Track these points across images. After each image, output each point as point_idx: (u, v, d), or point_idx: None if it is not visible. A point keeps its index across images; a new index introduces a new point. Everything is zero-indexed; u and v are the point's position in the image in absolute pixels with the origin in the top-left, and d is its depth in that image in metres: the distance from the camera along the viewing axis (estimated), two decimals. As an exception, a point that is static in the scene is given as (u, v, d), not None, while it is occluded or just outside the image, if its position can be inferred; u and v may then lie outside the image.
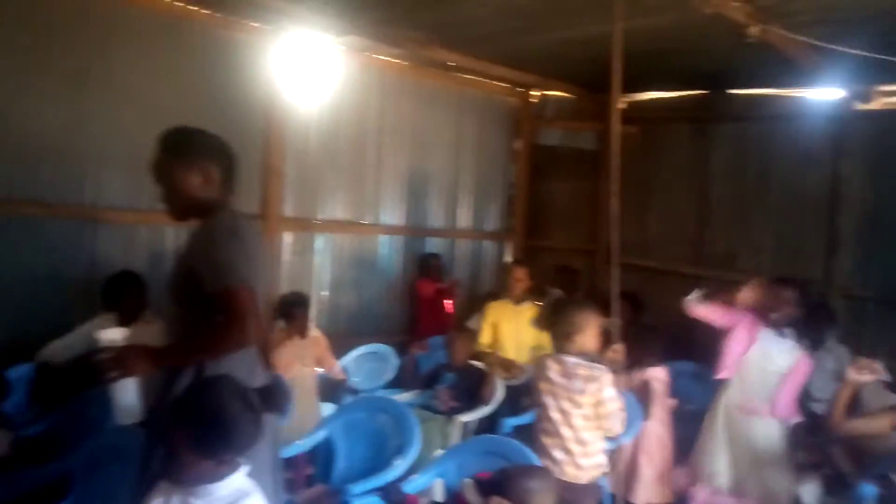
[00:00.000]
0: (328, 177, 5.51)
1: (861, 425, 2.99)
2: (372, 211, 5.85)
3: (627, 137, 6.63)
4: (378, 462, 3.22)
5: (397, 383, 4.81)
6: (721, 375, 3.68)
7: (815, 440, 3.50)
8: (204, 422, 1.74)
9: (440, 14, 4.24)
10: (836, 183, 5.57)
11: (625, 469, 3.72)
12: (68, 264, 4.23)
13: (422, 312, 5.75)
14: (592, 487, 2.94)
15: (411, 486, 2.75)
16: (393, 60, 5.71)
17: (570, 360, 2.92)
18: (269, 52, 4.80)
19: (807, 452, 3.51)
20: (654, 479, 3.72)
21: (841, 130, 5.52)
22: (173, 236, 4.59)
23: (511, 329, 4.73)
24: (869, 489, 2.87)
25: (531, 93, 6.78)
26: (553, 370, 2.96)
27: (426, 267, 5.91)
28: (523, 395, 4.22)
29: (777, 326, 3.59)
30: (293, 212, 5.30)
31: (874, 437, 3.06)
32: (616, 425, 2.90)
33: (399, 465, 2.97)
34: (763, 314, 3.61)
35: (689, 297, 3.77)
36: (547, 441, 2.93)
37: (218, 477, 1.77)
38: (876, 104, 5.49)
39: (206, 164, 2.22)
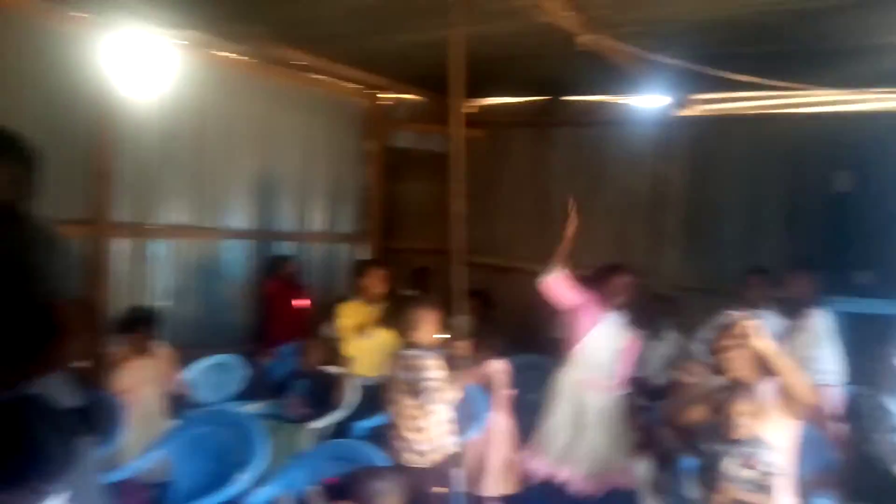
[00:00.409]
0: (166, 179, 5.18)
1: (692, 414, 3.27)
2: (216, 214, 5.58)
3: (474, 141, 6.87)
4: (223, 478, 3.08)
5: (247, 394, 4.63)
6: (570, 354, 3.92)
7: (645, 422, 3.85)
8: (8, 448, 1.56)
9: (285, 12, 4.14)
10: (661, 184, 6.07)
11: (474, 462, 3.82)
12: None
13: (272, 318, 5.57)
14: (436, 472, 3.06)
15: (256, 500, 2.65)
16: (237, 58, 5.48)
17: (409, 353, 3.11)
18: (99, 45, 4.43)
19: (638, 433, 3.83)
20: (502, 468, 3.85)
21: (663, 136, 6.03)
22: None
23: (351, 331, 4.68)
24: (690, 462, 3.12)
25: (382, 95, 6.79)
26: (397, 365, 3.16)
27: (277, 269, 5.72)
28: (378, 396, 4.22)
29: (616, 309, 3.93)
30: (126, 217, 4.93)
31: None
32: (436, 398, 3.08)
33: (242, 480, 2.85)
34: (604, 297, 3.92)
35: (544, 274, 3.91)
36: (394, 432, 3.09)
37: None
38: (693, 111, 6.05)
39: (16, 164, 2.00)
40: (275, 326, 5.50)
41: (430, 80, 5.89)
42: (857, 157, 5.09)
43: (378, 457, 2.68)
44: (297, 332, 5.00)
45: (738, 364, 2.89)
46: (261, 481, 2.93)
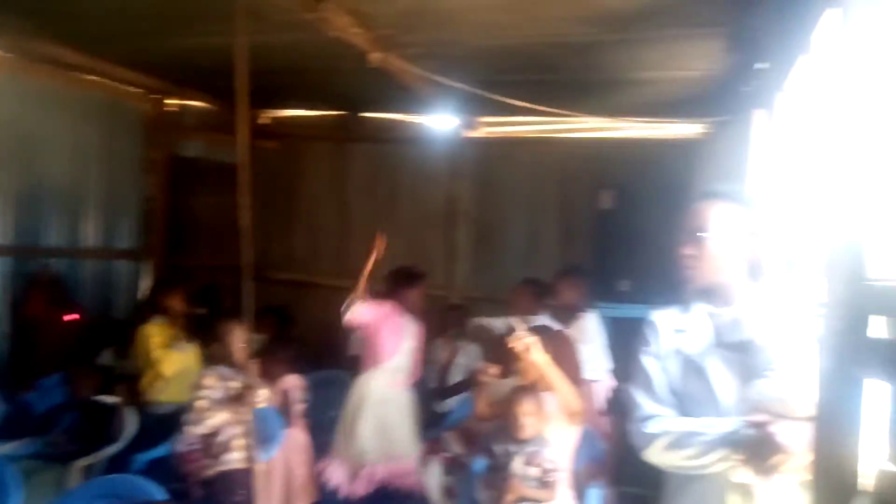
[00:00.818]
0: None
1: (497, 410, 3.45)
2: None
3: (269, 153, 6.72)
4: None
5: (4, 432, 4.05)
6: (373, 364, 4.00)
7: (433, 431, 4.02)
8: None
9: (51, 4, 3.73)
10: (453, 201, 6.37)
11: (274, 478, 3.72)
12: None
13: (34, 344, 4.93)
14: (228, 477, 3.13)
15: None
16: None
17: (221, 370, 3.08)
18: None
19: (425, 442, 3.97)
20: (301, 482, 3.80)
21: (454, 155, 6.33)
22: None
23: (166, 352, 4.35)
24: (480, 464, 3.28)
25: (166, 100, 6.36)
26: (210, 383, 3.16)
27: (36, 287, 5.07)
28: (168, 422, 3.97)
29: (409, 313, 4.18)
30: None
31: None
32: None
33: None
34: (398, 303, 4.16)
35: (343, 310, 3.98)
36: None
37: None
38: (479, 133, 6.43)
39: None
40: (37, 354, 4.88)
41: (219, 87, 5.64)
42: (618, 179, 5.72)
43: (151, 491, 2.48)
44: (63, 359, 4.48)
45: (524, 369, 3.11)
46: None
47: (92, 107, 5.75)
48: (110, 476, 2.99)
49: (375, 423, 4.04)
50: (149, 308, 4.58)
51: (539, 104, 4.47)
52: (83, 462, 3.54)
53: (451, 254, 6.38)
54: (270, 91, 5.72)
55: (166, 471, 3.52)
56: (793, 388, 1.55)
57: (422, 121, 6.44)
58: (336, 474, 3.95)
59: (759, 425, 1.56)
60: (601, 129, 5.92)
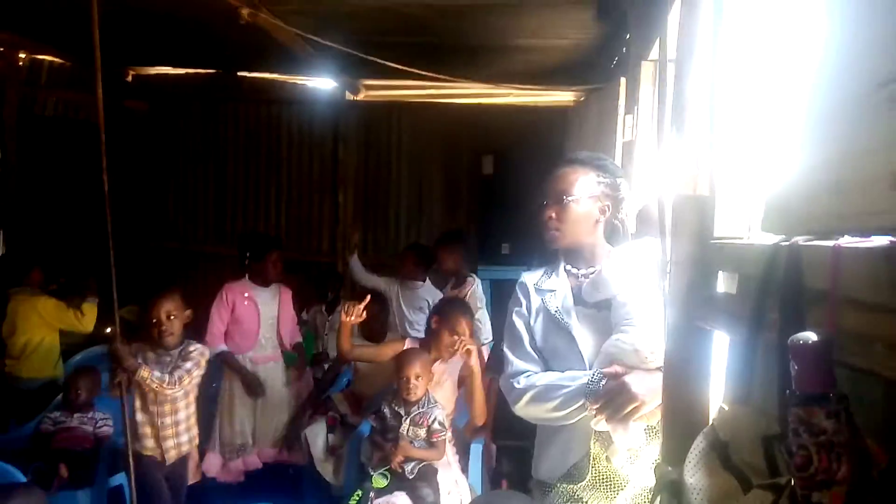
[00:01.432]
0: None
1: (367, 352, 3.48)
2: None
3: (136, 113, 6.31)
4: None
5: None
6: (215, 343, 3.87)
7: (320, 394, 4.01)
8: None
9: None
10: (336, 165, 6.27)
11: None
12: None
13: None
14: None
15: None
16: None
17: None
18: None
19: (311, 403, 3.97)
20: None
21: (337, 118, 6.21)
22: None
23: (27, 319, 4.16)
24: (366, 426, 3.31)
25: (18, 55, 5.79)
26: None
27: None
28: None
29: (267, 282, 4.11)
30: None
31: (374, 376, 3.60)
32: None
33: None
34: (257, 274, 4.07)
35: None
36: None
37: None
38: (364, 96, 6.33)
39: None
40: None
41: (72, 42, 5.21)
42: (498, 144, 5.84)
43: (13, 473, 2.34)
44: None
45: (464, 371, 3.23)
46: None
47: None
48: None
49: (253, 404, 3.98)
50: (6, 280, 4.28)
51: (421, 68, 4.45)
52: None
53: (336, 218, 6.30)
54: (136, 46, 5.35)
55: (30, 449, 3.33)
56: (645, 341, 1.67)
57: (303, 82, 6.25)
58: (212, 463, 3.86)
59: (613, 376, 1.68)
60: (483, 95, 6.00)
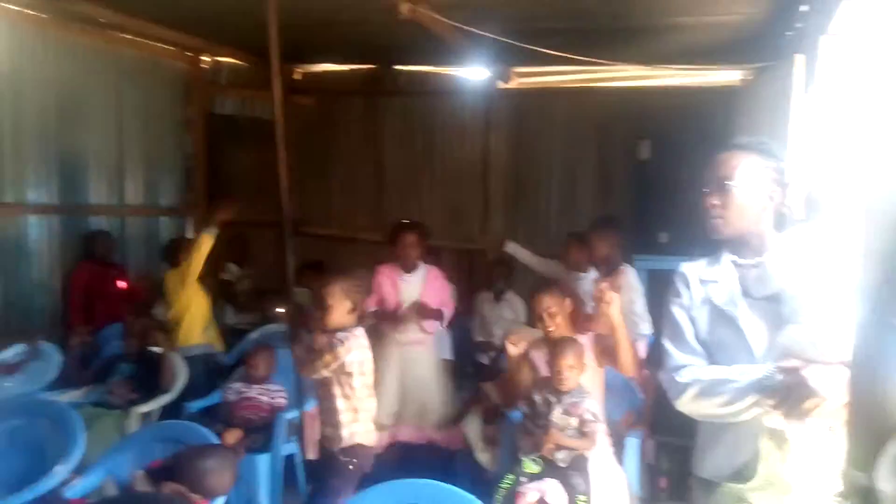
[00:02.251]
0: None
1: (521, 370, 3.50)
2: (11, 188, 5.00)
3: (303, 108, 6.75)
4: (39, 471, 2.87)
5: (64, 381, 4.27)
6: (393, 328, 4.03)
7: (473, 382, 4.09)
8: None
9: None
10: (487, 154, 6.34)
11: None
12: None
13: (87, 300, 5.14)
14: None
15: (75, 491, 2.49)
16: (27, 12, 4.89)
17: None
18: None
19: (465, 393, 4.06)
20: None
21: (488, 107, 6.28)
22: None
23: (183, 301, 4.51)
24: (516, 414, 3.36)
25: (202, 58, 6.42)
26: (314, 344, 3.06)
27: (89, 248, 5.27)
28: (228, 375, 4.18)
29: (408, 266, 4.20)
30: None
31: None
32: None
33: (60, 471, 2.66)
34: (398, 257, 4.18)
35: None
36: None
37: None
38: (515, 84, 6.35)
39: None
40: (90, 309, 5.10)
41: (252, 43, 5.67)
42: (656, 128, 5.63)
43: (205, 435, 2.61)
44: (115, 313, 4.68)
45: (560, 322, 3.17)
46: (80, 471, 2.76)
47: (130, 66, 5.82)
48: (166, 422, 3.15)
49: (399, 384, 4.10)
50: (171, 258, 4.72)
51: (574, 53, 4.38)
52: (141, 409, 3.72)
53: (486, 207, 6.38)
54: (303, 46, 5.72)
55: (215, 418, 3.71)
56: (824, 334, 1.56)
57: (456, 72, 6.38)
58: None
59: (791, 371, 1.58)
60: (639, 78, 5.80)
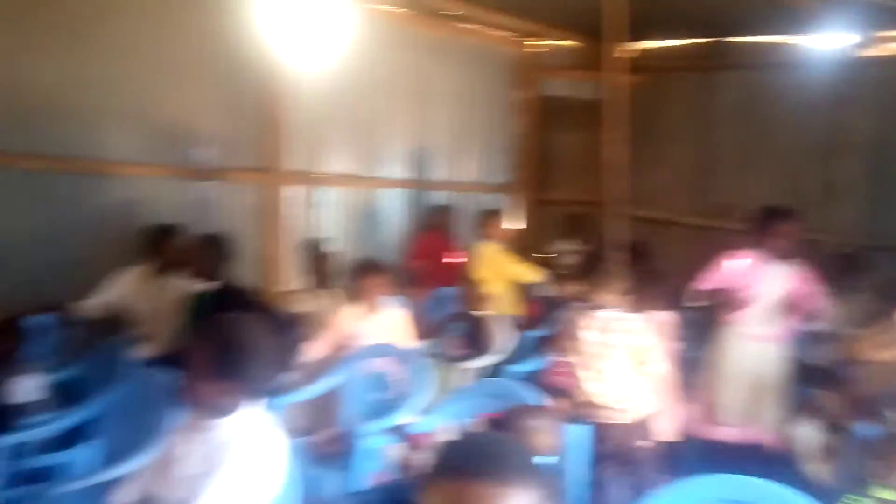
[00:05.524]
0: (331, 130, 5.51)
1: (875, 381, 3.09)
2: (375, 164, 5.86)
3: (632, 86, 6.64)
4: (385, 405, 3.36)
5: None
6: (732, 315, 3.79)
7: (808, 386, 3.67)
8: (225, 339, 1.76)
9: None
10: (837, 130, 5.57)
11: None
12: (73, 218, 4.25)
13: (426, 264, 5.79)
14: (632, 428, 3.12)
15: (420, 427, 2.86)
16: (394, 10, 5.63)
17: (604, 313, 3.06)
18: (270, 2, 4.74)
19: (798, 398, 3.66)
20: (665, 419, 3.79)
21: (843, 77, 5.49)
22: (176, 188, 4.69)
23: (494, 271, 4.90)
24: (868, 429, 2.95)
25: (533, 42, 6.72)
26: (588, 323, 3.12)
27: (431, 220, 5.95)
28: (541, 345, 4.37)
29: (778, 257, 3.76)
30: (295, 165, 5.30)
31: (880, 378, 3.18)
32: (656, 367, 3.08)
33: (408, 407, 3.08)
34: (766, 246, 3.76)
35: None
36: (585, 388, 3.13)
37: (232, 407, 1.79)
38: (881, 50, 5.45)
39: None
40: (427, 273, 5.74)
41: (584, 23, 5.75)
42: None
43: (535, 397, 2.78)
44: (448, 279, 5.20)
45: None
46: (421, 412, 3.15)
47: (470, 53, 6.38)
48: (497, 379, 3.42)
49: (744, 381, 3.81)
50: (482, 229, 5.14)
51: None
52: (469, 365, 4.10)
53: (833, 194, 5.63)
54: (636, 23, 5.62)
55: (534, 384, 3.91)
56: None
57: (801, 42, 5.71)
58: (708, 429, 3.87)
59: None
60: None
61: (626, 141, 3.50)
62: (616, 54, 3.22)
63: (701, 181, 6.39)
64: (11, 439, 2.65)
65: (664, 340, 3.85)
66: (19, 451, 2.70)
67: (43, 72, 4.08)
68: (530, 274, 5.08)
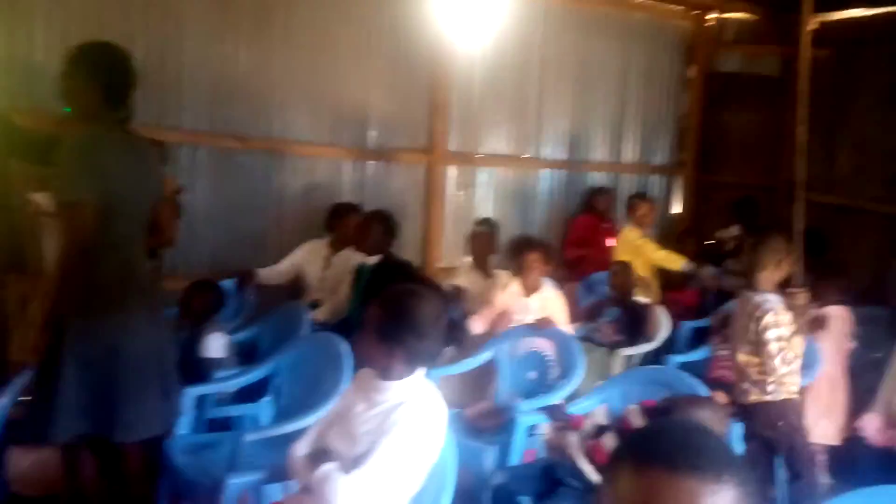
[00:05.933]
0: (491, 111, 5.56)
1: None
2: (533, 145, 5.85)
3: (817, 62, 6.09)
4: (541, 386, 3.39)
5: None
6: None
7: None
8: (401, 307, 1.89)
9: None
10: None
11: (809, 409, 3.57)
12: (259, 193, 4.72)
13: (580, 247, 5.71)
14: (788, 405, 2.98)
15: (576, 409, 2.86)
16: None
17: (757, 297, 2.92)
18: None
19: None
20: (818, 418, 3.52)
21: None
22: (350, 168, 5.00)
23: (636, 257, 4.85)
24: None
25: (707, 15, 6.34)
26: (742, 308, 3.01)
27: (590, 202, 5.86)
28: (700, 335, 4.22)
29: None
30: (457, 146, 5.43)
31: None
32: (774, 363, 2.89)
33: (564, 388, 3.08)
34: None
35: None
36: (738, 373, 3.03)
37: (400, 374, 1.91)
38: None
39: (85, 76, 2.27)
40: (582, 256, 5.66)
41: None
42: None
43: (696, 387, 2.68)
44: (604, 262, 5.10)
45: None
46: (574, 395, 3.15)
47: (635, 29, 6.13)
48: (660, 367, 3.33)
49: None
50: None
51: None
52: (624, 351, 4.02)
53: None
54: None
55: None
56: None
57: None
58: (871, 425, 3.53)
59: None
60: None
61: (808, 121, 3.23)
62: (807, 26, 2.95)
63: (891, 166, 5.75)
64: (203, 389, 2.95)
65: (832, 336, 3.58)
66: (206, 402, 3.01)
67: (236, 59, 4.51)
68: (673, 261, 4.96)
